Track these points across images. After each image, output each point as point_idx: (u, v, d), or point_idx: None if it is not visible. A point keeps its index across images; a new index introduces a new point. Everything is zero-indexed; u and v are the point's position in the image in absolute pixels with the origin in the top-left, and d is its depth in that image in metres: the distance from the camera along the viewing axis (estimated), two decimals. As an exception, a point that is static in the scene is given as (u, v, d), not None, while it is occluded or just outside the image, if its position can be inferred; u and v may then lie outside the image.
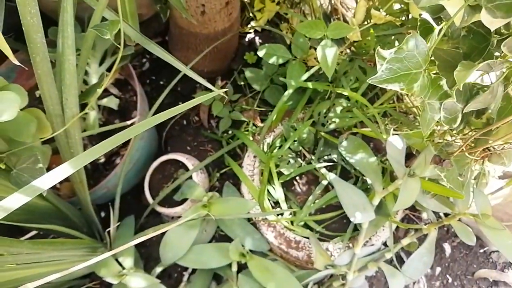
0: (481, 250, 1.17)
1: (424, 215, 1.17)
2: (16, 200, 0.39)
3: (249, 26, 1.22)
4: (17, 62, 0.49)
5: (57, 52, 0.59)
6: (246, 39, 1.27)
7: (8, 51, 0.48)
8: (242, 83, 1.24)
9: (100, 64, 0.98)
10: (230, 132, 1.20)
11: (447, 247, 1.17)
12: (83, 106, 0.74)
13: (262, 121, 1.19)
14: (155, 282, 0.85)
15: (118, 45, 0.57)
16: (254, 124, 1.18)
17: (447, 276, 1.16)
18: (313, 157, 0.99)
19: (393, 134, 0.82)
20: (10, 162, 0.62)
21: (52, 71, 0.59)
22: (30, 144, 0.62)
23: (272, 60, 0.96)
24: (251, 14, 1.23)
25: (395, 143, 0.80)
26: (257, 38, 1.26)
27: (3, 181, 0.64)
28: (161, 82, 1.27)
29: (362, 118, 0.84)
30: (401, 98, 1.13)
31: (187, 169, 1.07)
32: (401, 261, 1.13)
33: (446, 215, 0.98)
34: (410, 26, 0.82)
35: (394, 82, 0.49)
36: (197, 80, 0.75)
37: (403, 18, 0.86)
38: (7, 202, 0.39)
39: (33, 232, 1.01)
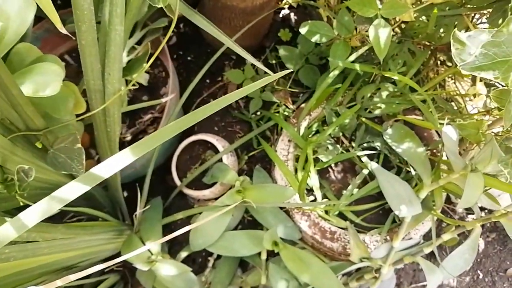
0: (516, 247, 1.13)
1: (459, 209, 1.13)
2: (73, 189, 0.34)
3: (284, 1, 1.15)
4: (64, 31, 0.43)
5: (102, 20, 0.53)
6: (280, 15, 1.20)
7: (56, 19, 0.43)
8: (274, 61, 1.18)
9: (130, 37, 0.92)
10: (259, 113, 1.14)
11: (480, 242, 1.13)
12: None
13: (294, 102, 1.14)
14: (186, 269, 0.81)
15: (169, 14, 0.51)
16: (285, 106, 1.13)
17: (478, 271, 1.12)
18: (353, 144, 0.93)
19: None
20: (47, 141, 0.57)
21: (95, 42, 0.53)
22: (67, 122, 0.57)
23: (315, 38, 0.90)
24: (286, -11, 1.16)
25: (450, 134, 0.74)
26: (292, 15, 1.20)
27: (37, 160, 0.59)
28: (189, 58, 1.21)
29: (419, 105, 0.79)
30: (443, 85, 1.07)
31: (215, 151, 1.03)
32: (433, 256, 1.09)
33: (490, 211, 0.93)
34: (474, 7, 0.76)
35: (488, 70, 0.44)
36: (232, 57, 0.69)
37: (463, -1, 0.80)
38: (63, 192, 0.34)
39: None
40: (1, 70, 0.43)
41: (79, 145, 0.56)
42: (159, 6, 0.49)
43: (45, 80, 0.47)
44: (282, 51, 1.10)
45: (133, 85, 0.99)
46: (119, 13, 0.50)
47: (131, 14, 0.59)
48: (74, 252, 0.71)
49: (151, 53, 1.03)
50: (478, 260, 1.12)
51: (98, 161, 0.89)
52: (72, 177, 0.74)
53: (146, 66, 0.55)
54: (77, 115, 0.67)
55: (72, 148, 0.55)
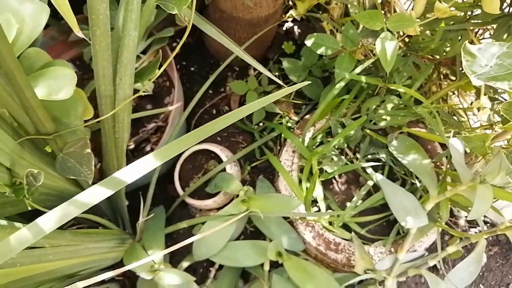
0: (518, 261, 1.13)
1: (461, 222, 1.13)
2: (95, 194, 0.33)
3: (287, 14, 1.16)
4: (81, 35, 0.43)
5: (116, 26, 0.53)
6: (284, 28, 1.21)
7: (73, 22, 0.43)
8: (277, 73, 1.18)
9: (137, 44, 0.92)
10: (261, 124, 1.14)
11: (483, 256, 1.12)
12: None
13: (297, 114, 1.14)
14: (190, 279, 0.80)
15: (183, 21, 0.51)
16: (288, 117, 1.13)
17: (481, 285, 1.11)
18: (357, 156, 0.93)
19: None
20: (55, 145, 0.56)
21: (108, 48, 0.53)
22: (74, 128, 0.56)
23: (320, 50, 0.91)
24: (290, 2, 1.17)
25: (457, 146, 0.75)
26: (295, 28, 1.21)
27: (44, 165, 0.59)
28: (192, 69, 1.21)
29: (426, 117, 0.79)
30: (446, 98, 1.08)
31: (218, 160, 1.02)
32: (435, 269, 1.08)
33: (492, 225, 0.93)
34: (479, 22, 0.77)
35: (503, 80, 0.44)
36: (235, 69, 0.70)
37: (469, 13, 0.81)
38: (84, 196, 0.33)
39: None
40: (17, 72, 0.43)
41: (89, 150, 0.55)
42: (173, 13, 0.49)
43: (58, 84, 0.47)
44: (285, 63, 1.10)
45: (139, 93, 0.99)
46: (134, 19, 0.50)
47: (143, 21, 0.59)
48: (78, 260, 0.70)
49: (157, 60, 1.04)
50: (481, 274, 1.12)
51: (100, 169, 0.88)
52: (77, 183, 0.73)
53: (159, 72, 0.55)
54: (85, 121, 0.66)
55: (81, 153, 0.55)
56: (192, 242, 0.92)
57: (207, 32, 0.67)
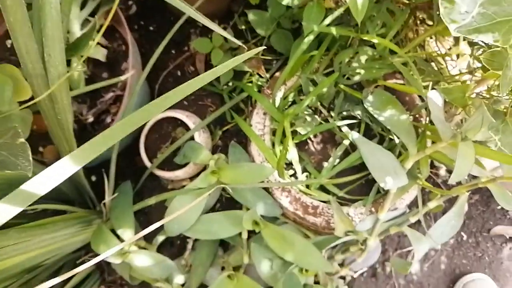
0: (499, 207, 1.11)
1: (442, 172, 1.10)
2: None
3: (250, -41, 1.06)
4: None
5: (34, -8, 0.45)
6: (248, -24, 1.11)
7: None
8: (244, 27, 1.09)
9: (81, 8, 0.83)
10: (230, 84, 1.07)
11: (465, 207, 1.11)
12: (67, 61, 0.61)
13: (267, 71, 1.06)
14: (162, 259, 0.76)
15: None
16: (258, 75, 1.06)
17: (462, 233, 1.11)
18: (332, 114, 0.88)
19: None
20: (-17, 136, 0.49)
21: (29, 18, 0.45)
22: (6, 114, 0.49)
23: (286, 1, 0.82)
24: None
25: (435, 99, 0.69)
26: (260, -25, 1.10)
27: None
28: (151, 28, 1.11)
29: (401, 70, 0.73)
30: (423, 45, 1.01)
31: (186, 128, 0.96)
32: (418, 223, 1.07)
33: (474, 176, 0.90)
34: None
35: (487, 32, 0.38)
36: (198, 25, 0.62)
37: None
38: (29, 187, 0.28)
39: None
40: None
41: (22, 140, 0.48)
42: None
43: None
44: (251, 16, 1.01)
45: (92, 61, 0.90)
46: (52, -18, 0.41)
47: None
48: (35, 252, 0.65)
49: (102, 25, 0.94)
50: (462, 222, 1.11)
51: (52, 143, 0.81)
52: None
53: (93, 44, 0.47)
54: (23, 102, 0.59)
55: (13, 144, 0.48)
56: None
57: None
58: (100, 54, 0.86)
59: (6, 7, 0.41)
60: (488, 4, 0.37)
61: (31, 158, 0.49)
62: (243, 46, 0.65)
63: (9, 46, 0.87)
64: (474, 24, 0.38)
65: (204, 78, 0.42)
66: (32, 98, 0.58)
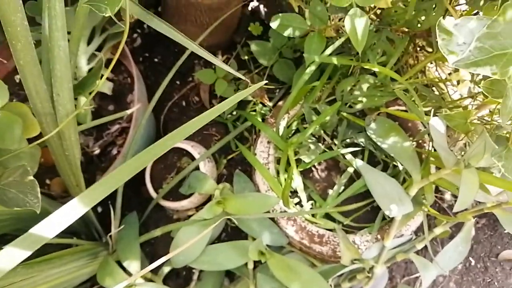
0: (506, 231, 1.10)
1: (447, 196, 1.10)
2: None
3: (251, -7, 1.09)
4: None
5: (43, 35, 0.46)
6: (249, 8, 1.14)
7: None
8: (246, 57, 1.11)
9: (88, 43, 0.85)
10: (234, 113, 1.08)
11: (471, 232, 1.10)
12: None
13: (270, 99, 1.08)
14: (168, 291, 0.76)
15: (117, 21, 0.45)
16: (262, 103, 1.07)
17: (470, 258, 1.09)
18: (335, 141, 0.88)
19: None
20: (-6, 174, 0.50)
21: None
22: (16, 152, 0.50)
23: (288, 32, 0.84)
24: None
25: (437, 126, 0.70)
26: (261, 7, 1.13)
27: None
28: (156, 60, 1.13)
29: (402, 97, 0.73)
30: (424, 71, 1.03)
31: (191, 158, 0.96)
32: (425, 249, 1.06)
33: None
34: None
35: (485, 65, 0.39)
36: (202, 56, 0.64)
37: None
38: (38, 230, 0.28)
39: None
40: None
41: (31, 178, 0.49)
42: (106, 15, 0.43)
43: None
44: (254, 46, 1.03)
45: (98, 94, 0.92)
46: (60, 27, 0.43)
47: (80, 23, 0.52)
48: (42, 287, 0.65)
49: (109, 59, 0.96)
50: (469, 247, 1.10)
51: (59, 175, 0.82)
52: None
53: (101, 82, 0.49)
54: (32, 139, 0.60)
55: (22, 182, 0.49)
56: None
57: (156, 27, 0.61)
58: (106, 88, 0.88)
59: (16, 50, 0.43)
60: (484, 38, 0.38)
61: (39, 195, 0.50)
62: (246, 79, 0.66)
63: (17, 81, 0.89)
64: (471, 58, 0.38)
65: (209, 116, 0.44)
66: (40, 134, 0.59)
